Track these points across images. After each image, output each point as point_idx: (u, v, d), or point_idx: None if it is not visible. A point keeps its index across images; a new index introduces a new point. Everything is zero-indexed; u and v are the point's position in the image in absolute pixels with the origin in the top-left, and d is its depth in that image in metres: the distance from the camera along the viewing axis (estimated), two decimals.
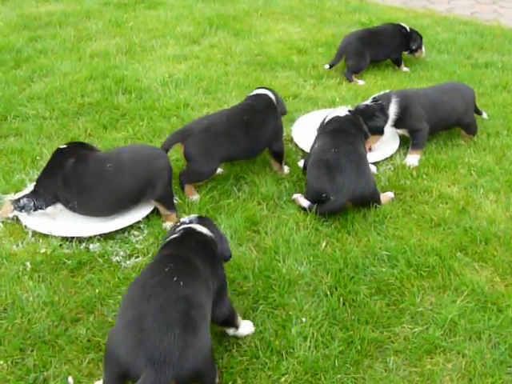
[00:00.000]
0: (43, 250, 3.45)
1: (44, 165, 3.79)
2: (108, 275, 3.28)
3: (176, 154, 4.26)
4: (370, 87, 5.68)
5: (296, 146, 4.55)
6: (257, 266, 3.34)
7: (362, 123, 4.18)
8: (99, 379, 2.64)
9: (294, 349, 2.86)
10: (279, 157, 4.24)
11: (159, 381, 2.18)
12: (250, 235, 3.63)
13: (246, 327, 2.94)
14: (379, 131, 4.46)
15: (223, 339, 2.90)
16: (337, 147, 3.85)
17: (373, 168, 4.24)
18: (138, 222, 3.68)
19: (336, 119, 4.13)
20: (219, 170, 4.16)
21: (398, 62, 6.19)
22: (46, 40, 6.65)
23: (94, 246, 3.48)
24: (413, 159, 4.42)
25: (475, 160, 4.47)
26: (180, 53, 6.40)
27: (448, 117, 4.69)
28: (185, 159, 4.00)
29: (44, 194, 3.64)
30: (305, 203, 3.81)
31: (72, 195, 3.60)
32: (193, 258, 2.69)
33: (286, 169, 4.30)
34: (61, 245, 3.50)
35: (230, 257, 3.03)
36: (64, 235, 3.55)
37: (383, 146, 4.58)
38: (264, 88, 4.39)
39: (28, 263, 3.35)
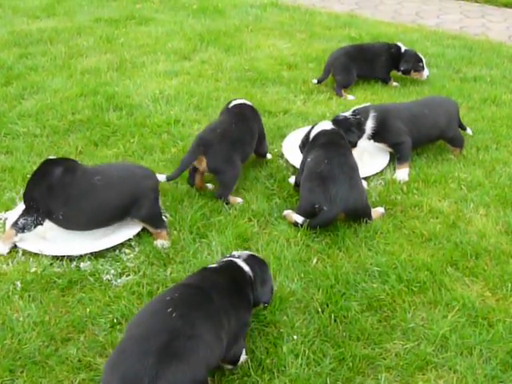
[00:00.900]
0: (33, 269, 3.43)
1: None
2: (99, 294, 3.27)
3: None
4: (360, 102, 5.67)
5: (287, 161, 4.56)
6: None
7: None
8: None
9: (285, 367, 2.85)
10: (265, 156, 4.62)
11: None
12: None
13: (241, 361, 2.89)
14: (352, 145, 4.41)
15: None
16: (329, 159, 3.87)
17: (363, 183, 4.25)
18: (129, 239, 3.67)
19: (324, 133, 4.16)
20: (210, 186, 4.18)
21: (383, 80, 6.22)
22: (36, 57, 6.65)
23: (85, 265, 3.47)
24: (402, 174, 4.44)
25: (465, 174, 4.49)
26: (171, 69, 6.42)
27: (429, 131, 4.70)
28: (210, 172, 4.09)
29: (35, 206, 3.58)
30: (298, 219, 3.81)
31: (57, 205, 3.55)
32: (210, 290, 2.67)
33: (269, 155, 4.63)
34: (51, 264, 3.48)
35: (267, 303, 3.01)
36: (54, 254, 3.53)
37: (373, 161, 4.60)
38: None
39: (18, 282, 3.33)
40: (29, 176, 4.16)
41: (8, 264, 3.50)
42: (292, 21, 8.28)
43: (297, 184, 4.15)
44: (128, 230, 3.71)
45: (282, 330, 3.06)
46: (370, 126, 4.51)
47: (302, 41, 7.46)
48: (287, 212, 3.93)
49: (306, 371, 2.83)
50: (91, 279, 3.37)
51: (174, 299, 2.54)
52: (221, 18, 8.30)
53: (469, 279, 3.47)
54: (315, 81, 6.03)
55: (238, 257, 2.99)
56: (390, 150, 4.64)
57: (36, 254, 3.55)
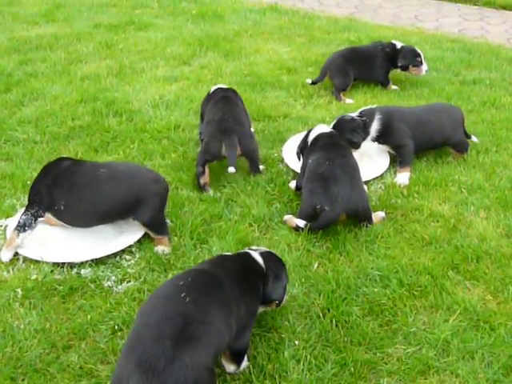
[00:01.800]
0: (34, 276, 3.43)
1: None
2: (100, 300, 3.27)
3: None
4: (359, 105, 5.66)
5: (287, 166, 4.56)
6: None
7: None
8: None
9: (287, 372, 2.85)
10: None
11: None
12: None
13: (243, 365, 2.89)
14: (355, 147, 4.46)
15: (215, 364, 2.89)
16: (331, 160, 3.89)
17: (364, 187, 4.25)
18: (130, 246, 3.66)
19: (323, 135, 4.18)
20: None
21: (382, 83, 6.21)
22: (36, 63, 6.66)
23: (86, 271, 3.47)
24: (403, 178, 4.44)
25: (465, 177, 4.49)
26: (170, 74, 6.42)
27: (433, 136, 4.71)
28: (245, 156, 4.38)
29: (38, 199, 3.63)
30: (300, 223, 3.80)
31: (61, 194, 3.59)
32: (223, 277, 2.72)
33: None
34: (52, 270, 3.49)
35: (280, 301, 3.02)
36: (55, 261, 3.53)
37: (373, 165, 4.60)
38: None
39: (19, 290, 3.33)
40: (29, 183, 4.20)
41: (9, 271, 3.50)
42: (291, 25, 8.28)
43: (298, 188, 4.15)
44: (129, 237, 3.70)
45: (283, 336, 3.05)
46: (374, 127, 4.53)
47: (301, 45, 7.46)
48: (288, 217, 3.93)
49: (307, 377, 2.82)
50: (92, 286, 3.37)
51: (186, 284, 2.58)
52: (220, 22, 8.30)
53: (470, 283, 3.46)
54: (309, 80, 6.04)
55: (255, 250, 3.06)
56: (392, 152, 4.64)
57: (37, 260, 3.55)
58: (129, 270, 3.50)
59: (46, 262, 3.53)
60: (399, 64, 6.10)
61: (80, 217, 3.67)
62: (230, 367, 2.84)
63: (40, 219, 3.66)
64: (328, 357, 2.94)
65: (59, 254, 3.58)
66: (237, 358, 2.83)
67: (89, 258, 3.54)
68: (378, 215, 3.97)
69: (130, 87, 6.04)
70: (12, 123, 5.22)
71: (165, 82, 6.19)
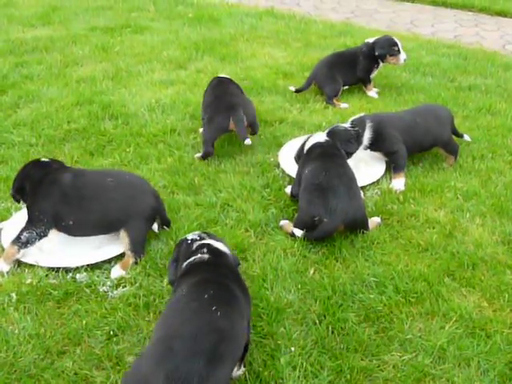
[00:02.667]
0: (29, 281, 3.41)
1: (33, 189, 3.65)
2: (95, 306, 3.25)
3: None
4: (355, 111, 5.69)
5: (283, 171, 4.55)
6: None
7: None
8: None
9: (283, 379, 2.84)
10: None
11: None
12: None
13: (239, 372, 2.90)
14: (348, 156, 4.44)
15: None
16: (328, 170, 3.87)
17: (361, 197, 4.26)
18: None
19: (319, 145, 4.17)
20: None
21: (364, 82, 6.18)
22: (32, 65, 6.65)
23: (81, 276, 3.45)
24: (398, 183, 4.44)
25: (461, 184, 4.49)
26: (166, 78, 6.42)
27: (423, 138, 4.72)
28: (250, 125, 4.78)
29: (41, 218, 3.54)
30: (297, 232, 3.79)
31: (70, 211, 3.53)
32: (231, 285, 2.73)
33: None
34: (47, 275, 3.47)
35: (239, 264, 3.23)
36: (50, 265, 3.51)
37: (369, 171, 4.61)
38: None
39: (13, 294, 3.31)
40: None
41: (3, 275, 3.48)
42: (287, 29, 8.30)
43: (293, 195, 4.14)
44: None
45: (279, 342, 3.04)
46: (367, 136, 4.52)
47: (297, 49, 7.48)
48: (284, 222, 3.92)
49: None
50: (87, 291, 3.36)
51: (211, 297, 2.57)
52: (216, 26, 8.32)
53: (466, 290, 3.46)
54: (292, 88, 6.04)
55: (202, 238, 3.06)
56: (385, 158, 4.65)
57: (31, 265, 3.53)
58: (124, 274, 3.48)
59: (41, 267, 3.51)
60: (376, 53, 6.01)
61: (90, 228, 3.63)
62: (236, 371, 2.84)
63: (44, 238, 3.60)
64: (324, 364, 2.93)
65: (54, 259, 3.56)
66: (246, 351, 2.83)
67: (84, 262, 3.52)
68: (373, 221, 3.97)
69: (126, 90, 6.03)
70: (7, 126, 5.21)
71: (161, 86, 6.19)
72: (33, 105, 5.67)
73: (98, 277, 3.46)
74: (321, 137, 4.26)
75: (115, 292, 3.36)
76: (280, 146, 4.91)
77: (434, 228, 4.00)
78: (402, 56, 6.04)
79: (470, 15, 9.77)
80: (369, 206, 4.20)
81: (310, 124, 5.38)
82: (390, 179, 4.53)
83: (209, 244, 2.99)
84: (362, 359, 2.98)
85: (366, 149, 4.56)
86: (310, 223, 3.75)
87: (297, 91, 6.02)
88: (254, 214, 4.04)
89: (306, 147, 4.20)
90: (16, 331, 3.07)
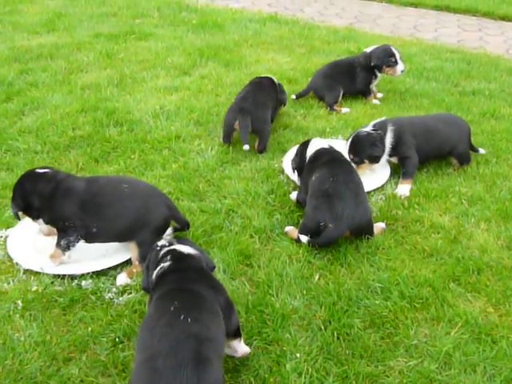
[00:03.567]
0: (35, 288, 3.42)
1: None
2: (101, 312, 3.26)
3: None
4: (359, 116, 5.72)
5: (287, 177, 4.56)
6: (250, 300, 3.33)
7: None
8: None
9: None
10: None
11: None
12: (243, 269, 3.62)
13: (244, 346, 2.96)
14: (376, 161, 4.54)
15: None
16: (335, 176, 3.87)
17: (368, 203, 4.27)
18: (131, 258, 3.65)
19: (324, 151, 4.17)
20: None
21: (363, 93, 6.17)
22: (37, 72, 6.67)
23: (87, 283, 3.46)
24: (404, 189, 4.44)
25: (465, 189, 4.49)
26: (171, 84, 6.43)
27: (441, 145, 4.74)
28: (255, 134, 5.01)
29: (70, 225, 3.51)
30: (303, 238, 3.78)
31: (91, 218, 3.50)
32: (195, 287, 2.73)
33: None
34: (52, 282, 3.48)
35: (215, 267, 3.18)
36: (56, 272, 3.52)
37: (374, 176, 4.61)
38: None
39: (19, 301, 3.32)
40: None
41: (9, 283, 3.49)
42: (291, 35, 8.32)
43: (299, 202, 4.15)
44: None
45: (284, 348, 3.04)
46: (389, 140, 4.55)
47: (301, 55, 7.49)
48: (289, 228, 3.93)
49: None
50: (93, 298, 3.37)
51: (178, 307, 2.55)
52: (220, 32, 8.33)
53: (471, 295, 3.46)
54: (293, 96, 6.02)
55: (170, 244, 3.02)
56: (397, 162, 4.66)
57: (37, 272, 3.54)
58: (129, 281, 3.49)
59: (47, 274, 3.52)
60: (372, 64, 5.95)
61: (113, 233, 3.60)
62: (234, 343, 2.89)
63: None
64: (330, 370, 2.93)
65: (60, 266, 3.57)
66: (239, 331, 2.91)
67: (89, 269, 3.53)
68: (378, 226, 3.97)
69: (131, 97, 6.05)
70: (12, 133, 5.23)
71: (165, 92, 6.20)
72: (38, 112, 5.69)
73: (103, 284, 3.47)
74: (321, 142, 4.27)
75: (120, 299, 3.36)
76: (284, 151, 4.92)
77: (438, 233, 4.00)
78: (400, 67, 5.94)
79: (474, 20, 9.77)
80: (374, 211, 4.20)
81: (314, 130, 5.39)
82: (395, 184, 4.53)
83: (174, 249, 2.95)
84: (367, 365, 2.98)
85: (389, 155, 4.59)
86: (316, 229, 3.75)
87: (297, 97, 6.03)
88: (259, 220, 4.04)
89: (309, 154, 4.19)
90: (22, 338, 3.08)
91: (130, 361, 2.95)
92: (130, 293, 3.40)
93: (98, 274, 3.54)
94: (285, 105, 5.70)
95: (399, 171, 4.63)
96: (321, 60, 7.18)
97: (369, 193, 4.42)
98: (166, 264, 2.86)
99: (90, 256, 3.66)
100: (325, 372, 2.92)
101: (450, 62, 7.25)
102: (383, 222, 4.05)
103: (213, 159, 4.82)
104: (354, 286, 3.48)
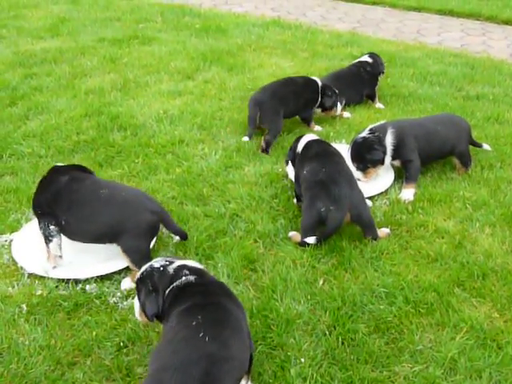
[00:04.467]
0: (39, 292, 3.43)
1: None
2: (105, 317, 3.26)
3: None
4: (363, 120, 5.72)
5: (291, 182, 4.55)
6: (254, 305, 3.33)
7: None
8: None
9: None
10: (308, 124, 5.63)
11: None
12: (247, 274, 3.62)
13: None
14: (380, 162, 4.55)
15: None
16: (326, 166, 3.96)
17: (368, 202, 4.26)
18: None
19: (313, 142, 4.29)
20: None
21: (372, 98, 6.24)
22: (41, 77, 6.70)
23: (91, 287, 3.47)
24: (408, 194, 4.43)
25: (470, 193, 4.48)
26: (174, 88, 6.44)
27: (442, 146, 4.74)
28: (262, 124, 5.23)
29: (39, 212, 3.64)
30: (310, 240, 3.79)
31: (62, 211, 3.57)
32: (222, 301, 2.71)
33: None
34: (57, 286, 3.48)
35: None
36: (60, 276, 3.53)
37: (378, 181, 4.61)
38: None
39: (24, 305, 3.33)
40: None
41: (13, 287, 3.50)
42: (294, 39, 8.33)
43: (297, 197, 4.22)
44: None
45: (289, 353, 3.04)
46: (389, 142, 4.55)
47: (304, 59, 7.49)
48: (293, 233, 3.93)
49: None
50: (97, 302, 3.37)
51: (200, 322, 2.52)
52: (223, 37, 8.35)
53: (476, 300, 3.45)
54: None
55: (172, 262, 2.92)
56: (400, 166, 4.66)
57: (42, 276, 3.55)
58: (134, 285, 3.48)
59: (51, 278, 3.53)
60: (381, 70, 6.27)
61: (79, 234, 3.64)
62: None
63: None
64: (334, 375, 2.92)
65: (64, 270, 3.58)
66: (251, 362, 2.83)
67: (94, 274, 3.53)
68: (383, 231, 3.97)
69: (135, 101, 6.06)
70: (17, 137, 5.24)
71: (169, 97, 6.21)
72: (42, 116, 5.70)
73: (107, 288, 3.48)
74: (312, 136, 4.40)
75: (125, 303, 3.37)
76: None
77: (443, 238, 3.99)
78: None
79: (477, 24, 9.76)
80: (377, 216, 4.20)
81: (317, 134, 5.35)
82: (399, 189, 4.53)
83: (185, 265, 2.89)
84: (372, 370, 2.97)
85: (392, 157, 4.58)
86: (318, 218, 3.80)
87: None
88: (263, 225, 4.04)
89: (300, 147, 4.28)
90: (27, 342, 3.08)
91: (135, 365, 2.96)
92: (135, 297, 3.39)
93: (102, 278, 3.54)
94: (331, 109, 5.65)
95: (403, 176, 4.62)
96: (324, 64, 7.20)
97: (373, 197, 4.43)
98: (187, 278, 2.80)
99: (95, 260, 3.66)
100: (329, 377, 2.91)
101: (454, 67, 7.24)
102: (387, 227, 4.05)
103: (216, 163, 4.82)
104: (359, 290, 3.47)
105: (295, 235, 3.90)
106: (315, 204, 3.82)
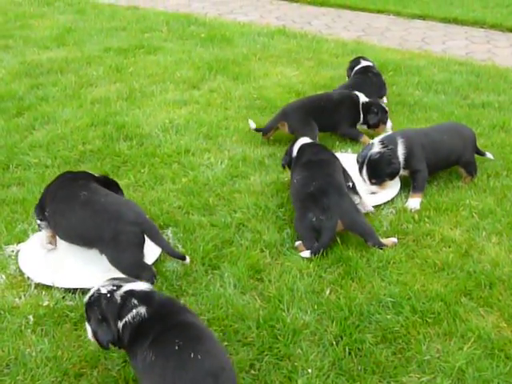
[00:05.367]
0: (46, 303, 3.43)
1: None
2: None
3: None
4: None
5: None
6: (261, 315, 3.32)
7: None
8: None
9: None
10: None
11: None
12: (254, 283, 3.62)
13: None
14: (395, 176, 4.55)
15: None
16: (316, 180, 4.05)
17: (371, 209, 4.33)
18: None
19: (305, 148, 4.42)
20: None
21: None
22: (47, 87, 6.72)
23: None
24: (414, 203, 4.43)
25: (476, 202, 4.47)
26: (180, 98, 6.46)
27: (447, 156, 4.74)
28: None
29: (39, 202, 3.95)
30: (305, 254, 3.82)
31: (48, 205, 3.78)
32: (184, 319, 2.72)
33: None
34: (64, 297, 3.49)
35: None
36: (67, 286, 3.53)
37: (384, 190, 4.60)
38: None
39: (31, 316, 3.33)
40: None
41: (20, 297, 3.50)
42: (299, 48, 8.34)
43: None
44: None
45: (296, 364, 3.03)
46: (401, 152, 4.53)
47: (309, 68, 7.50)
48: (299, 243, 3.93)
49: None
50: None
51: (182, 345, 2.51)
52: (229, 46, 8.37)
53: (483, 310, 3.43)
54: None
55: (119, 286, 2.83)
56: (407, 175, 4.65)
57: (48, 286, 3.55)
58: None
59: (58, 288, 3.53)
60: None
61: (63, 232, 3.77)
62: None
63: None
64: None
65: (71, 280, 3.58)
66: None
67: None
68: (389, 240, 3.96)
69: (140, 111, 6.08)
70: (23, 147, 5.26)
71: (174, 106, 6.23)
72: (48, 126, 5.72)
73: None
74: (307, 139, 4.54)
75: None
76: None
77: (449, 247, 3.98)
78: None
79: (482, 32, 9.76)
80: (384, 225, 4.20)
81: (324, 143, 5.37)
82: (405, 198, 4.52)
83: (132, 291, 2.78)
84: (379, 381, 2.96)
85: (404, 167, 4.57)
86: (310, 227, 3.88)
87: None
88: (269, 235, 4.04)
89: (295, 151, 4.42)
90: (33, 354, 3.08)
91: None
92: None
93: None
94: (376, 126, 5.56)
95: (409, 184, 4.62)
96: (329, 73, 7.21)
97: (379, 206, 4.42)
98: (138, 312, 2.71)
99: (101, 270, 3.65)
100: None
101: (459, 75, 7.23)
102: (394, 235, 4.04)
103: (222, 173, 4.83)
104: (366, 300, 3.46)
105: (301, 245, 3.90)
106: (305, 214, 3.92)
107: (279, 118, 5.42)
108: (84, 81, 6.95)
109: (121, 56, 7.88)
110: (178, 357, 2.48)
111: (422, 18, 10.61)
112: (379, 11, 11.04)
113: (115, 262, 3.55)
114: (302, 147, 4.41)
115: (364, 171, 4.54)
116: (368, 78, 6.18)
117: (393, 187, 4.64)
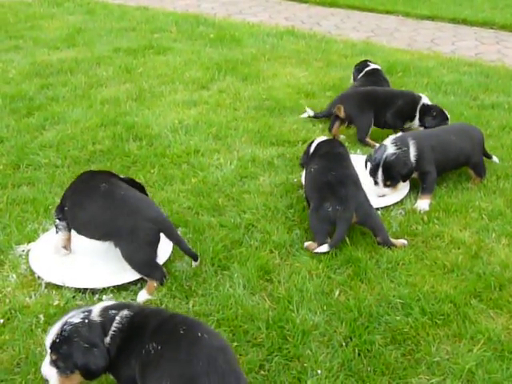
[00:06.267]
0: (56, 302, 3.45)
1: None
2: None
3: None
4: (378, 129, 5.70)
5: None
6: (270, 316, 3.32)
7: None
8: None
9: None
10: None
11: None
12: (263, 284, 3.62)
13: None
14: (409, 177, 4.57)
15: None
16: (334, 170, 4.07)
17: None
18: None
19: (321, 144, 4.45)
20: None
21: None
22: (57, 87, 6.75)
23: (108, 298, 3.48)
24: (423, 204, 4.42)
25: (486, 203, 4.46)
26: (189, 98, 6.48)
27: (456, 157, 4.73)
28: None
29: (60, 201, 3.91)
30: (322, 249, 3.81)
31: (66, 198, 3.80)
32: (169, 318, 2.74)
33: None
34: (74, 296, 3.50)
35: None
36: (77, 286, 3.55)
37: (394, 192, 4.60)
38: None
39: (41, 316, 3.34)
40: (51, 208, 4.23)
41: (31, 297, 3.52)
42: (308, 49, 8.35)
43: (307, 201, 4.24)
44: None
45: (305, 365, 3.03)
46: (413, 154, 4.52)
47: (318, 69, 7.51)
48: (308, 244, 3.93)
49: None
50: None
51: (188, 329, 2.59)
52: (238, 46, 8.39)
53: (493, 311, 3.42)
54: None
55: (90, 311, 2.77)
56: (417, 177, 4.64)
57: (59, 286, 3.57)
58: (150, 297, 3.50)
59: (68, 288, 3.55)
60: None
61: (80, 226, 3.74)
62: None
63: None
64: None
65: (81, 280, 3.60)
66: None
67: (111, 284, 3.55)
68: (399, 242, 3.96)
69: (150, 111, 6.10)
70: (34, 147, 5.28)
71: (184, 107, 6.25)
72: (58, 126, 5.75)
73: (124, 298, 3.49)
74: (324, 138, 4.61)
75: None
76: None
77: (459, 248, 3.97)
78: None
79: (491, 32, 9.74)
80: (393, 226, 4.19)
81: None
82: (415, 199, 4.52)
83: (107, 307, 2.79)
84: (389, 382, 2.96)
85: (415, 169, 4.56)
86: (325, 218, 3.88)
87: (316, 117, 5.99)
88: (279, 235, 4.05)
89: (312, 149, 4.46)
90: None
91: None
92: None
93: (119, 288, 3.56)
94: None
95: (418, 185, 4.61)
96: (338, 74, 7.21)
97: (388, 207, 4.42)
98: (121, 321, 2.70)
99: (112, 270, 3.67)
100: None
101: (468, 76, 7.22)
102: (403, 237, 4.04)
103: (232, 174, 4.84)
104: (375, 301, 3.46)
105: (311, 245, 3.90)
106: (321, 202, 3.92)
107: (336, 101, 5.57)
108: (94, 81, 6.98)
109: (130, 56, 7.91)
110: (187, 339, 2.54)
111: (431, 18, 10.60)
112: (388, 12, 11.05)
113: (128, 257, 3.55)
114: (320, 143, 4.46)
115: (380, 173, 4.50)
116: (379, 80, 6.17)
117: (402, 188, 4.63)
